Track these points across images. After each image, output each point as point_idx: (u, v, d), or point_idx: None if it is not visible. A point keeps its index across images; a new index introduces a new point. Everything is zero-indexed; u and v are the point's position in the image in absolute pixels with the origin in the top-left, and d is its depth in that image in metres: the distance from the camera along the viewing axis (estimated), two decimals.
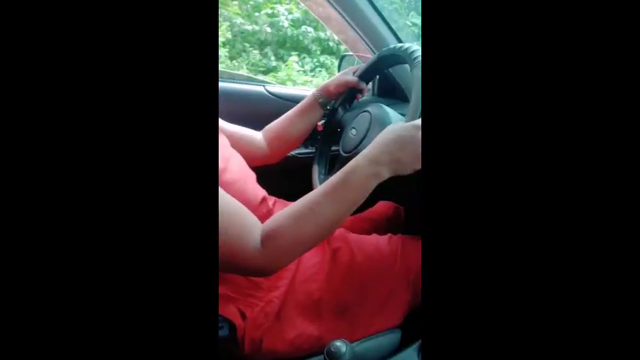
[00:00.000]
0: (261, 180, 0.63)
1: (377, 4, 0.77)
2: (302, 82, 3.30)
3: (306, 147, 0.89)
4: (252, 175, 0.59)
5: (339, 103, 0.67)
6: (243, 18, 3.58)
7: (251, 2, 3.61)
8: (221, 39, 3.41)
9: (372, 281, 0.54)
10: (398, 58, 0.55)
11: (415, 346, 0.53)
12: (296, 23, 3.61)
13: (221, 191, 0.39)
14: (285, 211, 0.41)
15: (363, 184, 0.41)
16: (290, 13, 3.60)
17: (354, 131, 0.58)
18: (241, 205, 0.41)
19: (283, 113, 0.70)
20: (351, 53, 0.91)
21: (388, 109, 0.56)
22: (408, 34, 0.89)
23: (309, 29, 3.58)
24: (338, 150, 0.59)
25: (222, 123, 0.63)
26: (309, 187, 0.58)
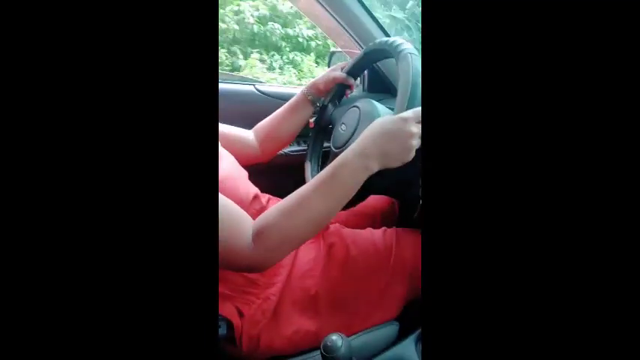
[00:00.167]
0: (255, 178, 0.63)
1: None
2: (267, 79, 3.28)
3: (299, 144, 0.89)
4: (243, 174, 0.59)
5: (328, 100, 0.67)
6: None
7: None
8: None
9: (368, 275, 0.55)
10: (384, 52, 0.56)
11: (413, 336, 0.54)
12: (262, 20, 3.54)
13: None
14: (275, 207, 0.41)
15: (352, 177, 0.41)
16: (256, 9, 3.54)
17: (343, 127, 0.58)
18: (232, 203, 0.41)
19: (273, 111, 0.69)
20: (340, 49, 0.91)
21: (376, 104, 0.56)
22: (389, 27, 0.89)
23: (277, 26, 3.52)
24: (329, 146, 0.60)
25: None
26: (303, 184, 0.58)
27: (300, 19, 3.42)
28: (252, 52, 3.49)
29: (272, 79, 3.26)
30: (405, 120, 0.42)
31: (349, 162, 0.41)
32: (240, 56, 3.48)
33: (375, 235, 0.60)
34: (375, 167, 0.41)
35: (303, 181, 0.64)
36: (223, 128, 0.65)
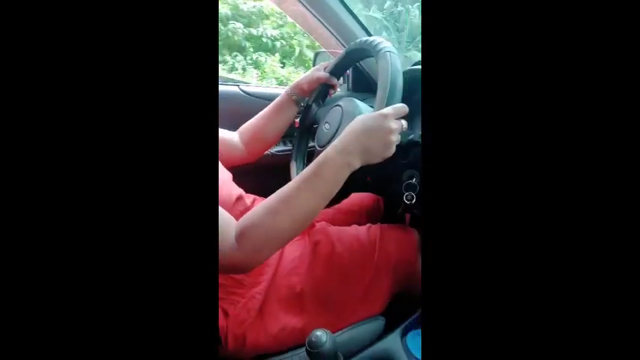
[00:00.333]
0: (241, 179, 0.63)
1: None
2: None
3: (285, 144, 0.89)
4: (226, 175, 0.59)
5: (312, 100, 0.67)
6: None
7: None
8: None
9: (353, 271, 0.55)
10: (364, 51, 0.57)
11: (398, 330, 0.54)
12: (223, 20, 3.43)
13: None
14: (259, 206, 0.41)
15: (334, 174, 0.42)
16: None
17: (327, 125, 0.59)
18: None
19: (258, 112, 0.70)
20: (325, 50, 0.92)
21: (358, 102, 0.57)
22: (368, 27, 0.90)
23: (239, 25, 3.43)
24: (314, 145, 0.60)
25: None
26: None
27: (268, 18, 3.34)
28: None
29: (229, 79, 3.19)
30: (385, 116, 0.43)
31: (331, 159, 0.42)
32: None
33: (359, 231, 0.61)
34: (356, 163, 0.42)
35: (289, 181, 0.65)
36: None
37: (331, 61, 0.67)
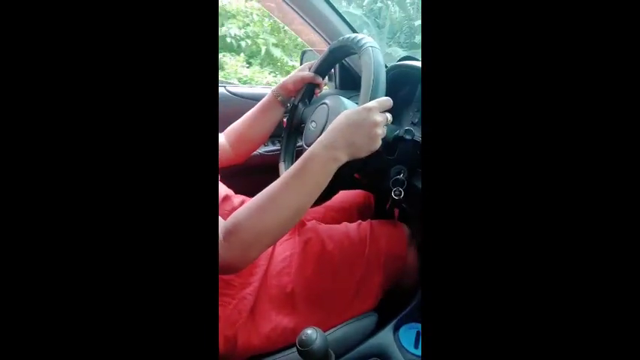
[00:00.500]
0: (230, 179, 0.62)
1: None
2: None
3: (274, 144, 0.89)
4: None
5: (298, 100, 0.67)
6: None
7: None
8: None
9: (344, 268, 0.55)
10: (347, 48, 0.57)
11: (390, 325, 0.55)
12: None
13: None
14: (246, 204, 0.41)
15: (321, 170, 0.42)
16: None
17: (313, 124, 0.58)
18: None
19: (245, 112, 0.69)
20: (311, 48, 0.92)
21: (344, 99, 0.57)
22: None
23: None
24: (302, 145, 0.60)
25: None
26: None
27: (234, 17, 3.31)
28: None
29: None
30: (369, 109, 0.43)
31: (317, 154, 0.42)
32: None
33: (349, 228, 0.61)
34: (343, 158, 0.42)
35: None
36: None
37: (315, 61, 0.67)
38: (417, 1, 3.38)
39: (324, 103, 0.58)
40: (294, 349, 0.50)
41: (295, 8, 0.76)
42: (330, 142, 0.42)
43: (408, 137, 0.51)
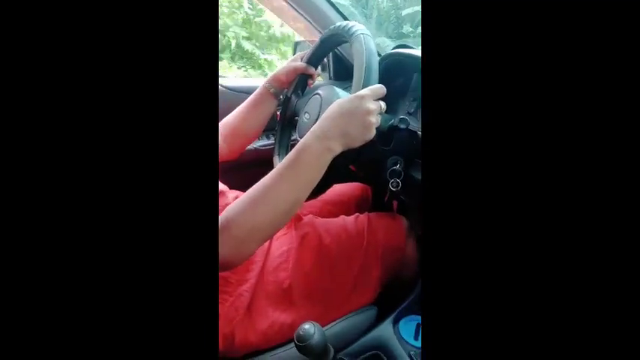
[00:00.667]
0: (225, 175, 0.61)
1: None
2: None
3: (268, 138, 0.88)
4: None
5: (291, 91, 0.66)
6: None
7: None
8: None
9: (341, 261, 0.55)
10: (339, 37, 0.55)
11: (390, 318, 0.54)
12: None
13: None
14: (239, 199, 0.40)
15: (315, 160, 0.40)
16: None
17: (307, 115, 0.57)
18: None
19: (236, 106, 0.68)
20: (304, 39, 0.90)
21: (337, 89, 0.56)
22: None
23: None
24: (296, 138, 0.59)
25: None
26: None
27: None
28: None
29: None
30: (362, 97, 0.42)
31: (310, 145, 0.41)
32: None
33: (347, 221, 0.60)
34: (337, 148, 0.41)
35: None
36: None
37: (307, 51, 0.65)
38: None
39: (317, 94, 0.57)
40: (292, 344, 0.50)
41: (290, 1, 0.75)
42: (324, 133, 0.41)
43: (402, 126, 0.50)
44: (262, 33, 3.27)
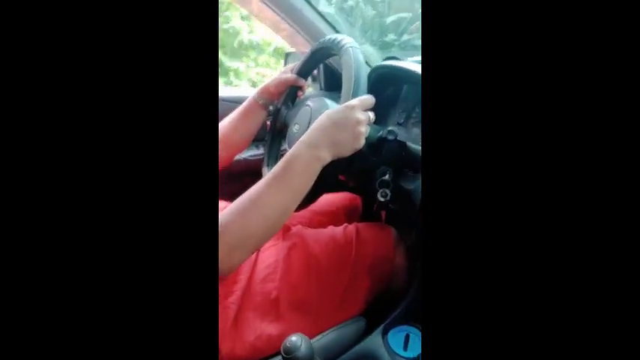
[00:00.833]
0: None
1: None
2: None
3: (257, 148, 0.88)
4: None
5: (281, 103, 0.66)
6: None
7: None
8: None
9: (330, 272, 0.54)
10: (328, 49, 0.56)
11: (379, 329, 0.54)
12: None
13: None
14: (228, 208, 0.40)
15: (305, 169, 0.41)
16: None
17: (296, 126, 0.58)
18: None
19: (227, 115, 0.68)
20: (295, 50, 0.91)
21: (327, 100, 0.56)
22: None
23: None
24: (286, 148, 0.59)
25: None
26: None
27: None
28: None
29: None
30: (351, 107, 0.43)
31: (300, 154, 0.41)
32: None
33: (335, 231, 0.60)
34: (326, 157, 0.42)
35: None
36: None
37: (297, 63, 0.66)
38: None
39: (307, 105, 0.57)
40: (279, 356, 0.49)
41: (276, 10, 0.76)
42: (313, 142, 0.41)
43: (391, 138, 0.50)
44: (229, 40, 3.24)
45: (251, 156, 0.86)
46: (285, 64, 0.97)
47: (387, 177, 0.53)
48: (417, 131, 0.63)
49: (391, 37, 3.26)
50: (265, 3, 0.74)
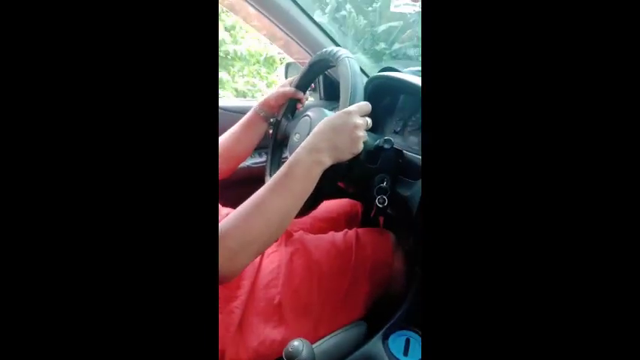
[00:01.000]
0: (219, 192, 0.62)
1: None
2: None
3: (260, 155, 0.89)
4: None
5: (281, 115, 0.68)
6: None
7: None
8: None
9: (331, 277, 0.55)
10: (326, 61, 0.58)
11: (380, 334, 0.55)
12: None
13: None
14: (232, 213, 0.41)
15: (306, 173, 0.42)
16: None
17: (297, 136, 0.59)
18: None
19: (230, 125, 0.70)
20: (295, 61, 0.93)
21: (326, 110, 0.58)
22: None
23: None
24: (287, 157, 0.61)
25: None
26: None
27: None
28: None
29: None
30: (349, 113, 0.45)
31: (302, 159, 0.42)
32: None
33: (335, 237, 0.61)
34: (327, 161, 0.43)
35: None
36: None
37: (296, 76, 0.68)
38: (377, 7, 3.38)
39: (307, 115, 0.59)
40: None
41: (277, 23, 0.78)
42: (314, 146, 0.43)
43: (387, 147, 0.52)
44: None
45: (254, 163, 0.88)
46: (286, 74, 1.00)
47: (384, 184, 0.55)
48: (413, 139, 0.65)
49: (382, 45, 3.28)
50: (263, 13, 0.76)
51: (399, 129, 0.68)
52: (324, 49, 0.58)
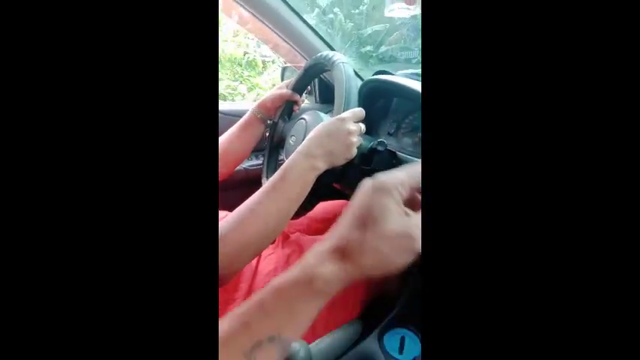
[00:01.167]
0: None
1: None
2: None
3: (257, 158, 0.90)
4: None
5: (278, 117, 0.69)
6: None
7: None
8: None
9: None
10: (321, 65, 0.59)
11: (374, 333, 0.56)
12: None
13: None
14: (229, 216, 0.42)
15: (301, 177, 0.43)
16: None
17: (293, 139, 0.60)
18: None
19: (227, 128, 0.71)
20: (291, 64, 0.95)
21: (321, 114, 0.59)
22: None
23: None
24: (283, 160, 0.62)
25: None
26: None
27: None
28: None
29: None
30: (343, 119, 0.46)
31: (296, 163, 0.44)
32: None
33: None
34: (321, 166, 0.44)
35: None
36: None
37: (292, 79, 0.69)
38: (364, 10, 3.41)
39: (303, 119, 0.60)
40: None
41: (273, 28, 0.79)
42: (309, 151, 0.44)
43: (380, 148, 0.53)
44: None
45: (250, 166, 0.88)
46: (282, 77, 1.01)
47: None
48: (407, 141, 0.66)
49: (368, 48, 3.31)
50: (256, 16, 0.77)
51: (392, 131, 0.69)
52: (320, 54, 0.59)
